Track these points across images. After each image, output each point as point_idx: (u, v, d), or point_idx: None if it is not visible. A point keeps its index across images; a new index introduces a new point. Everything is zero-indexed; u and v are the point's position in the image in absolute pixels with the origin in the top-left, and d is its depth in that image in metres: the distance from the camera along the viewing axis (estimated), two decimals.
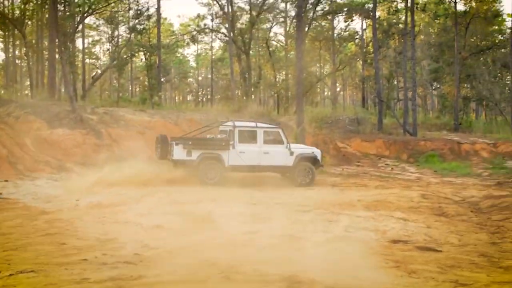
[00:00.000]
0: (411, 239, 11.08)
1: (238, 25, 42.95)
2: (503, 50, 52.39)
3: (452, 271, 8.58)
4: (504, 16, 52.37)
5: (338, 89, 60.83)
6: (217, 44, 67.44)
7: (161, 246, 9.47)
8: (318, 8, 43.00)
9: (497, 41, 52.59)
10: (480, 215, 14.46)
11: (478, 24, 47.99)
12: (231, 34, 41.23)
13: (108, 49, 51.55)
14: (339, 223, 12.33)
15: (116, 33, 46.30)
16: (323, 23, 52.17)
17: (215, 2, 45.74)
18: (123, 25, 47.02)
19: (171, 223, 11.53)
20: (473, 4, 47.14)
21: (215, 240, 10.20)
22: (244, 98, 38.46)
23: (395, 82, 51.44)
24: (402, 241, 10.96)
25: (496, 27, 54.54)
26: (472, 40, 49.73)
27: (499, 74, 53.77)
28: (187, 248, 9.45)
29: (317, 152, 20.38)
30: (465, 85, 50.48)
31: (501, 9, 52.53)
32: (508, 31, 47.88)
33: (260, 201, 15.01)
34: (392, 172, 24.10)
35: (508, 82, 51.53)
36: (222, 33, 48.19)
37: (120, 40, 45.91)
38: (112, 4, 42.25)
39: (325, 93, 69.33)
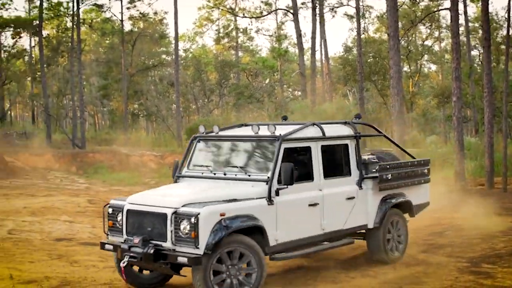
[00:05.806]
0: (75, 237, 11.66)
1: None
2: (169, 69, 55.93)
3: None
4: (170, 39, 55.93)
5: (8, 106, 58.02)
6: None
7: None
8: None
9: (163, 61, 55.85)
10: None
11: (145, 43, 50.42)
12: None
13: None
14: (3, 228, 12.29)
15: None
16: None
17: None
18: None
19: None
20: (140, 24, 49.53)
21: None
22: None
23: (65, 100, 51.41)
24: (66, 239, 11.46)
25: (164, 49, 57.97)
26: (140, 58, 51.92)
27: (166, 92, 57.10)
28: None
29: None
30: (134, 101, 52.46)
31: (167, 31, 55.84)
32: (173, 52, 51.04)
33: None
34: (61, 184, 24.13)
35: (174, 99, 54.77)
36: None
37: None
38: None
39: None
